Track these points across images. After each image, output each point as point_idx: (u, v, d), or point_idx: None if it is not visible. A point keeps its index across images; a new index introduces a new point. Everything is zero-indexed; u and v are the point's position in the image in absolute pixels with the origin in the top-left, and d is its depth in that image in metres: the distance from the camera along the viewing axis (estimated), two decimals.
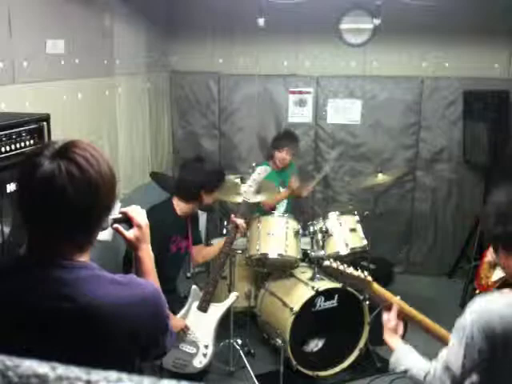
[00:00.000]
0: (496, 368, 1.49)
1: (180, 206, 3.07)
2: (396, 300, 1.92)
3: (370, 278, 1.97)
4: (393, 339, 1.84)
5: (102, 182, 1.21)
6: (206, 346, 2.98)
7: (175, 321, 2.88)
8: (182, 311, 3.00)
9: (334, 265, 1.97)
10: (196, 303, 3.03)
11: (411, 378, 1.69)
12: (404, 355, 1.78)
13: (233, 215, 3.16)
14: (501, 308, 1.49)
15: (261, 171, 3.22)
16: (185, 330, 2.95)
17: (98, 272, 1.27)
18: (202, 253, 3.36)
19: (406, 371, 1.72)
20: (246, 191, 3.17)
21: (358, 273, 1.96)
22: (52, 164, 1.16)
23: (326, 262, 2.00)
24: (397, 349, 1.81)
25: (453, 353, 1.54)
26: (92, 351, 1.21)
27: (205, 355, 2.98)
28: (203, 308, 3.02)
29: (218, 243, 3.44)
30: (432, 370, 1.60)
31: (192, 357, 2.97)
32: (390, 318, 1.86)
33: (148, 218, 3.10)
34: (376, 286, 1.96)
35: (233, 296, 3.15)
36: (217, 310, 3.07)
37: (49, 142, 1.26)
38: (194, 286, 3.06)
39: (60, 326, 1.20)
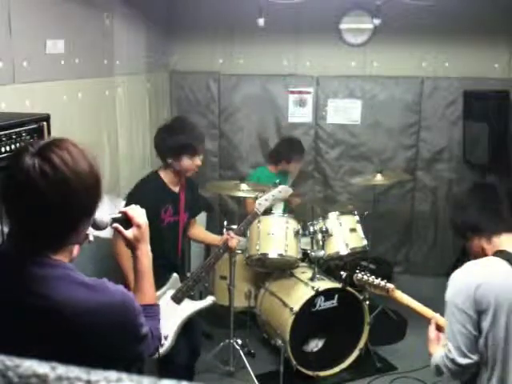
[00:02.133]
0: (482, 321, 1.78)
1: (165, 174, 2.95)
2: (417, 307, 2.20)
3: (390, 286, 2.28)
4: (433, 347, 2.01)
5: (76, 181, 1.21)
6: (166, 337, 2.85)
7: None
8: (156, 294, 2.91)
9: (359, 276, 2.36)
10: (171, 292, 2.93)
11: (438, 369, 1.90)
12: (436, 355, 1.96)
13: (230, 232, 3.06)
14: (472, 273, 1.82)
15: (282, 190, 3.11)
16: None
17: (70, 272, 1.26)
18: (193, 230, 3.26)
19: (436, 366, 1.92)
20: (261, 204, 3.06)
21: (378, 281, 2.30)
22: (29, 161, 1.18)
23: (358, 276, 2.38)
24: (434, 353, 1.99)
25: (448, 326, 1.84)
26: (56, 349, 1.21)
27: (161, 345, 2.83)
28: (177, 299, 2.92)
29: (210, 236, 3.36)
30: (446, 350, 1.85)
31: None
32: (430, 330, 2.06)
33: (137, 190, 3.04)
34: (399, 294, 2.27)
35: (208, 299, 3.07)
36: (189, 306, 2.97)
37: (35, 140, 1.28)
38: (174, 274, 2.96)
39: (26, 321, 1.21)
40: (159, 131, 3.02)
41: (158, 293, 2.90)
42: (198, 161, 2.95)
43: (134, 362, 1.46)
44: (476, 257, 1.95)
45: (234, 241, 3.03)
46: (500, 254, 1.85)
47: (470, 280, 1.80)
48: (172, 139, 2.88)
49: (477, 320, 1.78)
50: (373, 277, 2.34)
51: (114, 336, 1.29)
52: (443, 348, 1.90)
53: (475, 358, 1.80)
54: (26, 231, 1.25)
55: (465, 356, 1.79)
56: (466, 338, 1.79)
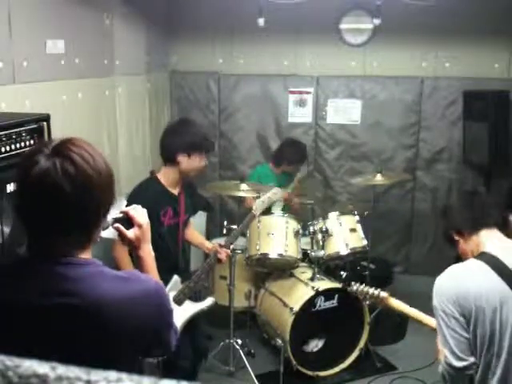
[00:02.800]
0: (469, 323, 1.82)
1: (164, 175, 2.93)
2: (412, 313, 2.24)
3: (384, 295, 2.32)
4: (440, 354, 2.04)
5: (98, 178, 1.21)
6: None
7: None
8: None
9: (354, 288, 2.40)
10: (173, 293, 2.92)
11: (443, 377, 1.93)
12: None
13: (219, 243, 3.06)
14: (452, 278, 1.87)
15: (277, 191, 3.16)
16: None
17: (102, 268, 1.28)
18: (188, 231, 3.23)
19: (441, 374, 1.95)
20: (258, 206, 3.08)
21: (372, 291, 2.34)
22: (47, 162, 1.17)
23: (353, 288, 2.42)
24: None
25: (439, 332, 1.88)
26: (97, 346, 1.22)
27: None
28: (178, 301, 2.91)
29: (201, 242, 3.34)
30: (443, 356, 1.93)
31: None
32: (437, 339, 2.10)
33: (134, 194, 3.03)
34: (393, 301, 2.30)
35: (208, 300, 3.04)
36: (190, 307, 2.96)
37: (46, 141, 1.27)
38: (175, 276, 2.95)
39: (66, 321, 1.20)
40: (168, 130, 3.03)
41: None
42: (204, 161, 2.98)
43: (164, 353, 1.47)
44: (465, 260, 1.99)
45: (223, 255, 3.03)
46: (480, 256, 1.89)
47: (451, 285, 1.85)
48: (185, 137, 2.89)
49: (465, 322, 1.81)
50: (367, 287, 2.38)
51: (151, 323, 1.30)
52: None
53: (471, 359, 1.83)
54: (53, 233, 1.24)
55: (460, 359, 1.82)
56: (458, 341, 1.81)
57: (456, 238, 2.01)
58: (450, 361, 1.83)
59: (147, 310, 1.28)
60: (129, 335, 1.25)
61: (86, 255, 1.28)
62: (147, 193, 2.87)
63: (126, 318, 1.23)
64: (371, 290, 2.35)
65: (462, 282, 1.84)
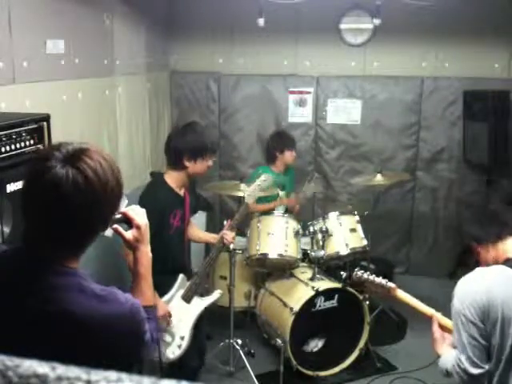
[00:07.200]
0: (488, 330, 1.77)
1: (172, 178, 2.95)
2: (418, 306, 2.16)
3: (392, 285, 2.23)
4: (439, 347, 2.00)
5: (104, 196, 1.23)
6: (182, 338, 2.88)
7: (159, 305, 2.74)
8: (166, 297, 2.90)
9: (359, 274, 2.29)
10: (181, 292, 2.95)
11: (448, 373, 1.89)
12: (446, 358, 1.94)
13: (225, 229, 3.09)
14: (479, 282, 1.79)
15: (266, 178, 3.20)
16: (167, 317, 2.84)
17: (84, 282, 1.28)
18: (190, 230, 3.24)
19: (447, 370, 1.91)
20: (250, 195, 3.13)
21: (379, 280, 2.25)
22: (62, 170, 1.18)
23: (358, 274, 2.31)
24: (442, 354, 1.98)
25: (456, 335, 1.82)
26: (63, 356, 1.21)
27: (179, 346, 2.87)
28: (187, 298, 2.94)
29: (205, 236, 3.38)
30: (457, 359, 1.83)
31: (166, 346, 2.85)
32: (434, 330, 2.05)
33: (145, 198, 3.05)
34: (400, 293, 2.22)
35: (216, 293, 3.09)
36: (199, 303, 2.99)
37: (61, 144, 1.26)
38: (181, 275, 2.98)
39: (38, 325, 1.22)
40: (173, 135, 3.04)
41: (168, 295, 2.92)
42: (210, 162, 3.00)
43: (132, 364, 1.48)
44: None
45: (229, 236, 3.06)
46: (507, 262, 1.84)
47: (475, 290, 1.77)
48: (191, 141, 2.91)
49: (485, 329, 1.75)
50: (373, 275, 2.28)
51: (119, 344, 1.30)
52: (451, 352, 1.88)
53: (487, 367, 1.77)
54: (47, 239, 1.25)
55: (476, 366, 1.76)
56: (476, 348, 1.76)
57: (478, 249, 1.96)
58: (466, 366, 1.77)
59: (117, 332, 1.28)
60: (96, 351, 1.25)
61: (74, 264, 1.29)
62: (158, 196, 2.87)
63: (96, 335, 1.24)
64: (378, 279, 2.25)
65: (489, 287, 1.76)
